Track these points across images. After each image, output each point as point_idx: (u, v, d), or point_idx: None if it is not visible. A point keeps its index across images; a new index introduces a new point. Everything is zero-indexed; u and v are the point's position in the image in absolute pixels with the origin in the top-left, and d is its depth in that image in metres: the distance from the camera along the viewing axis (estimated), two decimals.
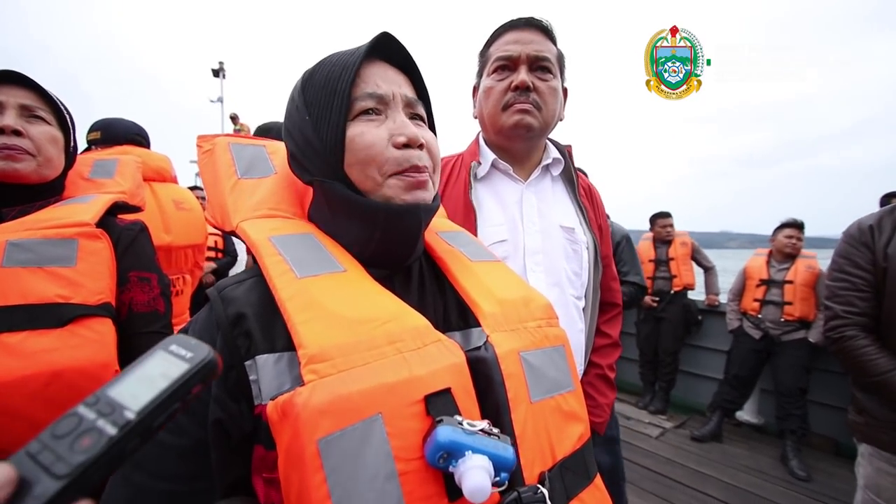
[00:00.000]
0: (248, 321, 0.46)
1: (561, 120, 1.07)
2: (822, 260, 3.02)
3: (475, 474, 0.38)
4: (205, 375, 0.31)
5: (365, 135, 0.52)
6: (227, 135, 0.68)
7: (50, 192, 0.94)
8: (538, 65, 0.98)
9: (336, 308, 0.45)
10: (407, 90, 0.56)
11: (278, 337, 0.46)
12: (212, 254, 3.12)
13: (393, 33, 0.54)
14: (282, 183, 0.63)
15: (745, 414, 3.42)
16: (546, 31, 1.00)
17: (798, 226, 3.06)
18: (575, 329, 1.03)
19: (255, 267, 0.53)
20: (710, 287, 3.82)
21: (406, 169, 0.52)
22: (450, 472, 0.40)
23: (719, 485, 2.66)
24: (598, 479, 0.58)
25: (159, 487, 0.44)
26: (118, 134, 1.69)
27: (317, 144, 0.53)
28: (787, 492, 2.59)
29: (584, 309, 1.08)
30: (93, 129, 1.71)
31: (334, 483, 0.37)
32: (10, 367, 0.72)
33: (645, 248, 3.83)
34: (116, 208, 1.00)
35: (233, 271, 3.32)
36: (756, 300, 3.13)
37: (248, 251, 0.56)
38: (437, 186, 0.59)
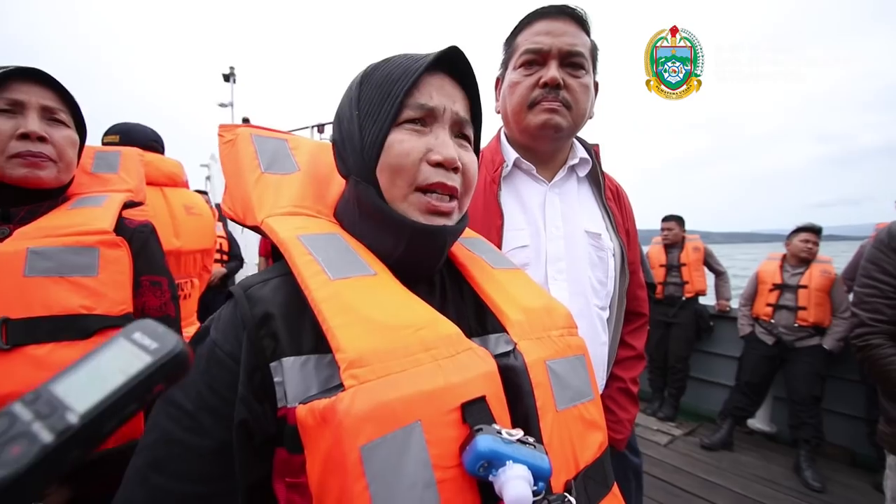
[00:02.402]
0: (275, 322, 0.46)
1: (591, 118, 1.00)
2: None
3: (517, 484, 0.38)
4: (169, 372, 0.27)
5: (404, 143, 0.52)
6: (249, 125, 0.67)
7: (58, 190, 0.92)
8: (570, 60, 0.91)
9: (371, 313, 0.45)
10: (460, 108, 0.55)
11: (305, 339, 0.46)
12: (217, 256, 3.11)
13: (462, 49, 0.53)
14: (306, 180, 0.64)
15: (758, 422, 3.35)
16: (580, 21, 0.92)
17: (815, 230, 2.99)
18: (598, 342, 0.97)
19: (277, 266, 0.53)
20: (721, 292, 3.76)
21: (433, 184, 0.52)
22: (488, 481, 0.40)
23: (730, 495, 2.59)
24: (616, 489, 0.59)
25: (179, 489, 0.43)
26: (136, 139, 1.70)
27: (357, 141, 0.54)
28: (801, 503, 2.53)
29: (608, 319, 1.02)
30: (111, 132, 1.72)
31: (375, 490, 0.37)
32: (40, 380, 0.71)
33: (655, 253, 3.78)
34: (123, 206, 0.99)
35: (240, 275, 3.32)
36: (769, 305, 3.07)
37: (262, 251, 0.54)
38: (466, 207, 0.59)
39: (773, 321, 3.04)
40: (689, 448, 3.19)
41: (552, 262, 0.94)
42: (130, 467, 0.45)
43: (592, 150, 1.05)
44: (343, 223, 0.59)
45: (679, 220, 3.76)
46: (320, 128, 6.77)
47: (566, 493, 0.48)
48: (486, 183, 0.96)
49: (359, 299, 0.46)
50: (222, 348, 0.47)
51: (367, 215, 0.55)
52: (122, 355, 0.27)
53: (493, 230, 0.91)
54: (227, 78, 10.48)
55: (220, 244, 3.17)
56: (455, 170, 0.53)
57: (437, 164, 0.52)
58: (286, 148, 0.67)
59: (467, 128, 0.57)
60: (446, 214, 0.54)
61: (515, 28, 0.98)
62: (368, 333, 0.43)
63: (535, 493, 0.41)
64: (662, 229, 3.78)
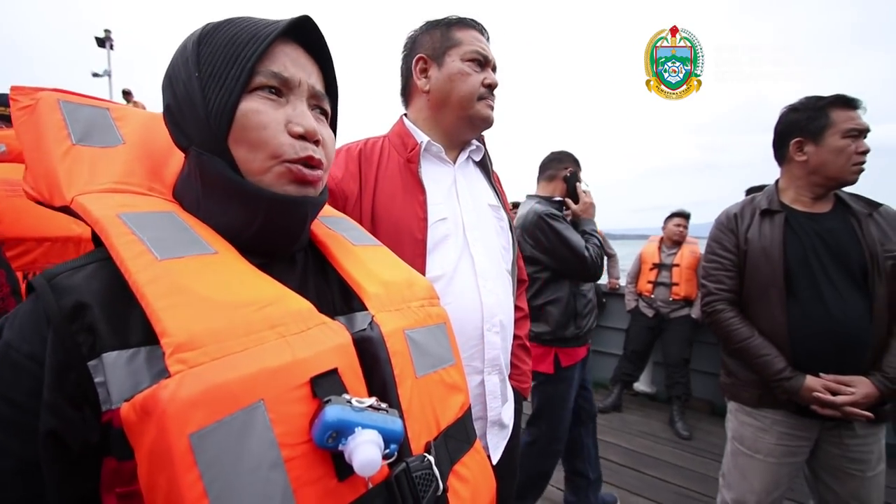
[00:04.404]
0: (92, 313, 0.39)
1: None
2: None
3: (366, 449, 0.38)
4: None
5: (261, 114, 0.48)
6: (56, 90, 0.55)
7: None
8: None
9: (207, 292, 0.40)
10: (316, 81, 0.54)
11: (133, 330, 0.40)
12: None
13: (314, 19, 0.51)
14: (135, 154, 0.55)
15: (641, 384, 3.82)
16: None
17: (685, 216, 3.46)
18: (509, 300, 1.10)
19: (95, 252, 0.46)
20: (612, 272, 4.18)
21: (301, 158, 0.49)
22: (339, 452, 0.39)
23: (619, 450, 2.95)
24: (478, 444, 0.62)
25: None
26: None
27: (200, 108, 0.48)
28: (674, 451, 2.94)
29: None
30: (3, 103, 1.42)
31: (211, 479, 0.34)
32: None
33: None
34: None
35: None
36: (649, 282, 3.49)
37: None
38: (325, 182, 0.57)
39: (652, 296, 3.47)
40: None
41: (470, 231, 1.03)
42: None
43: (482, 140, 1.18)
44: (183, 203, 0.52)
45: None
46: None
47: (425, 454, 0.49)
48: (400, 164, 1.03)
49: (193, 279, 0.41)
50: (19, 350, 0.39)
51: (212, 190, 0.50)
52: None
53: (417, 205, 0.98)
54: (101, 43, 9.03)
55: None
56: (316, 143, 0.51)
57: (300, 136, 0.49)
58: (107, 117, 0.57)
59: (324, 102, 0.55)
60: (312, 184, 0.52)
61: (447, 21, 1.07)
62: (202, 314, 0.39)
63: (388, 456, 0.42)
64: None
